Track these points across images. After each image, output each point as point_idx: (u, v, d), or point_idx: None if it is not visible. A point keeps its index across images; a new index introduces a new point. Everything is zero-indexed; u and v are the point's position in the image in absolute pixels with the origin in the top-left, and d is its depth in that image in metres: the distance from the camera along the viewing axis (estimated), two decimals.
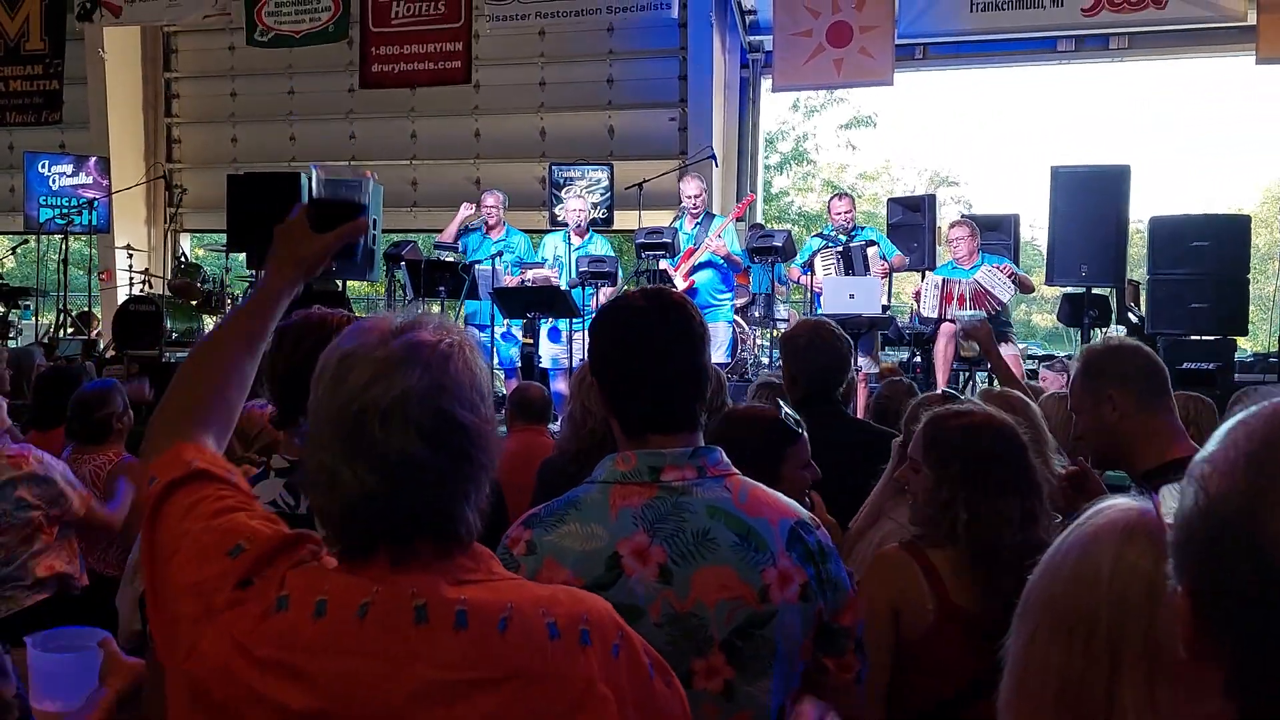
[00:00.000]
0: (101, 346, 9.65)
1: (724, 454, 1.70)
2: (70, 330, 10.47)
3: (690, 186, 8.44)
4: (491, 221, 8.73)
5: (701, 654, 1.59)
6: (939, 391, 2.87)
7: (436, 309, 8.78)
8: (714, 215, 8.69)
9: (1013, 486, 2.08)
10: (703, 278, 8.28)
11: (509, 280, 8.36)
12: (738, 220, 8.89)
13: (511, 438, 4.42)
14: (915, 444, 2.24)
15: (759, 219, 11.28)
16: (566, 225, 8.74)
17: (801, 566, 1.64)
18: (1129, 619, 1.05)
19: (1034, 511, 2.08)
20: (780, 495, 1.73)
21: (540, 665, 1.16)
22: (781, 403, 2.40)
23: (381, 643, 1.14)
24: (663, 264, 8.38)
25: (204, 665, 1.15)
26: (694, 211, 8.42)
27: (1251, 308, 8.26)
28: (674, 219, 9.16)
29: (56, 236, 11.10)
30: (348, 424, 1.16)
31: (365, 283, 10.00)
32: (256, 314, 1.53)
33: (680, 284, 8.21)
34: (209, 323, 10.10)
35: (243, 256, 10.07)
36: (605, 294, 8.50)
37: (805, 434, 2.28)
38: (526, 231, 9.32)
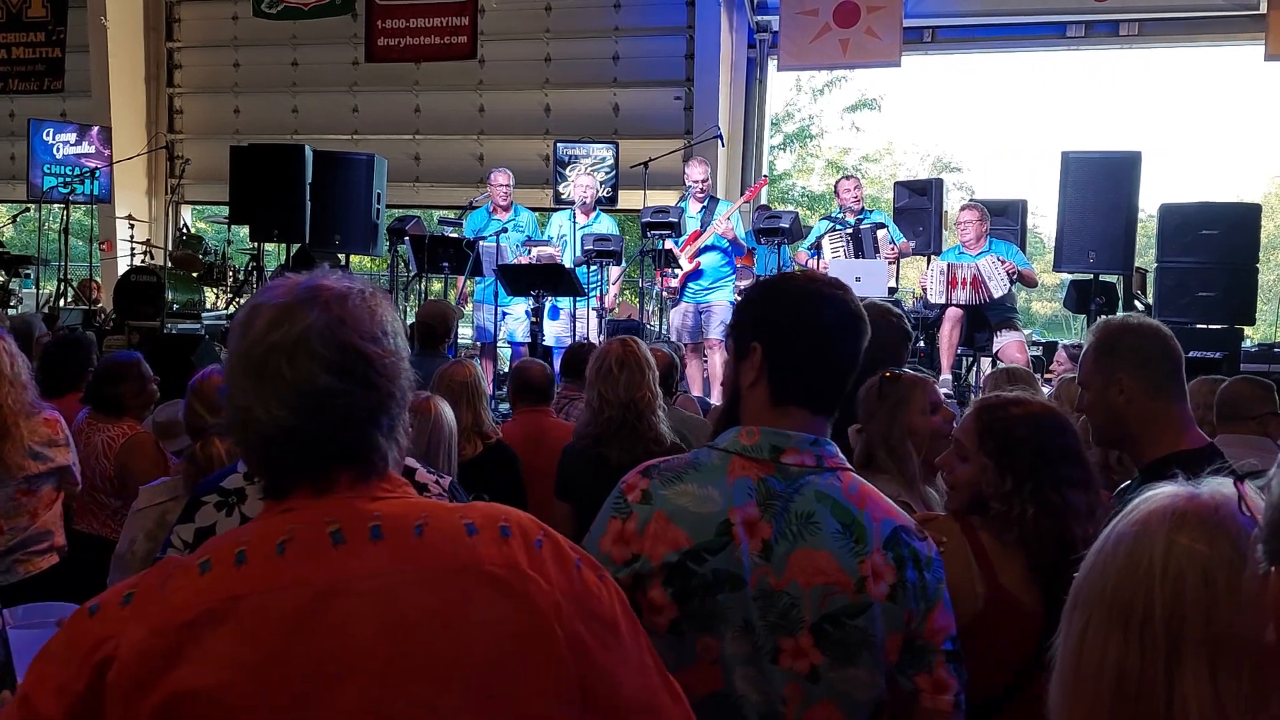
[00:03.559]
0: (102, 318, 9.58)
1: (840, 451, 1.72)
2: (71, 300, 10.39)
3: (696, 170, 8.40)
4: (502, 201, 8.64)
5: (791, 634, 1.61)
6: (880, 373, 2.68)
7: (439, 286, 8.72)
8: (719, 199, 8.64)
9: (1080, 480, 2.04)
10: (709, 260, 8.24)
11: (518, 258, 8.29)
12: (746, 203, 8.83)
13: (515, 419, 4.36)
14: (965, 430, 2.14)
15: (763, 200, 11.21)
16: (572, 203, 8.67)
17: (895, 567, 1.64)
18: (1187, 607, 1.03)
19: (1095, 505, 2.02)
20: (891, 501, 1.74)
21: (463, 556, 1.20)
22: None
23: (302, 571, 1.17)
24: (668, 244, 8.33)
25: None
26: (699, 195, 8.37)
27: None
28: (679, 199, 9.10)
29: (57, 206, 11.01)
30: (256, 364, 1.21)
31: (368, 257, 9.92)
32: None
33: (686, 265, 8.17)
34: (210, 295, 10.03)
35: (245, 229, 10.00)
36: (612, 273, 8.46)
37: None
38: (531, 209, 9.25)
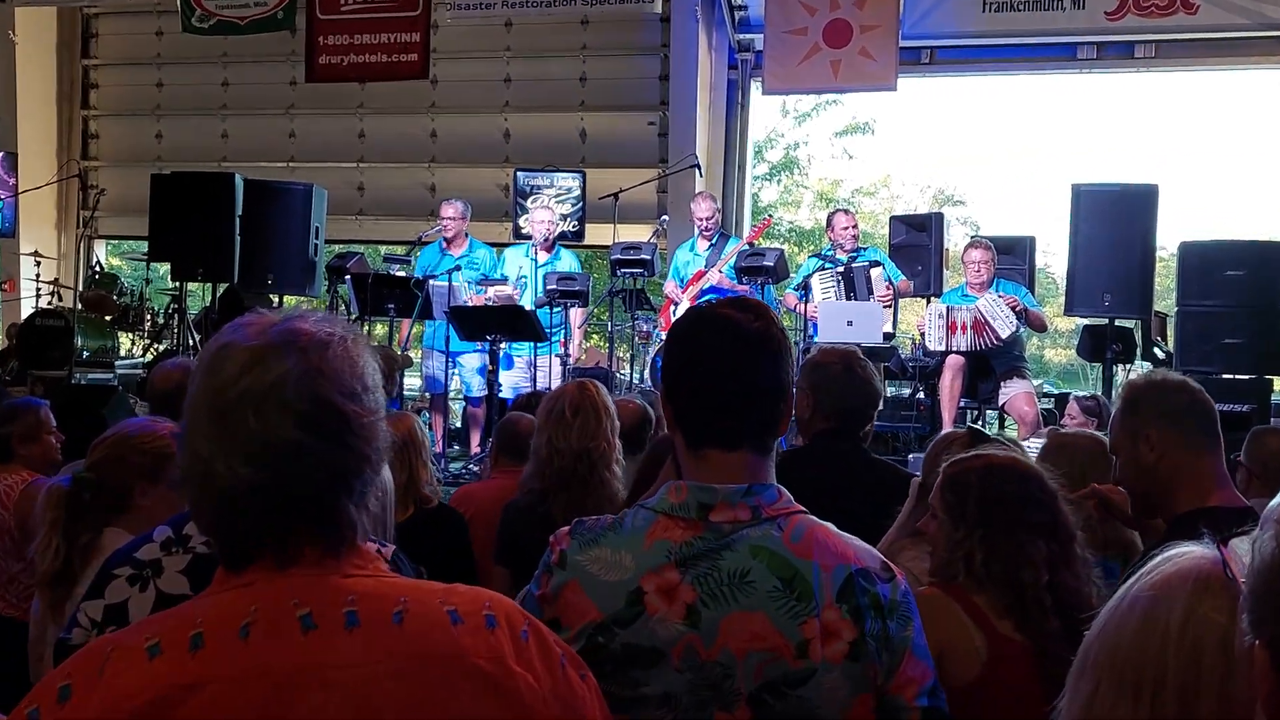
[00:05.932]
0: (2, 367, 9.49)
1: (787, 492, 1.71)
2: None
3: (702, 206, 8.57)
4: (450, 235, 8.67)
5: (726, 708, 1.59)
6: (964, 428, 2.89)
7: (383, 330, 8.71)
8: (730, 236, 8.71)
9: (1036, 527, 2.18)
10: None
11: (472, 299, 8.31)
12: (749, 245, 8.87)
13: (493, 478, 4.35)
14: (935, 490, 2.33)
15: (744, 234, 11.31)
16: (531, 238, 8.71)
17: (852, 621, 1.62)
18: (1202, 676, 1.05)
19: (1064, 556, 2.19)
20: (850, 538, 1.72)
21: (447, 646, 1.21)
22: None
23: (268, 659, 1.16)
24: (668, 285, 8.37)
25: None
26: (707, 232, 8.51)
27: None
28: (652, 234, 9.16)
29: None
30: (222, 412, 1.21)
31: (304, 298, 9.91)
32: None
33: (686, 307, 8.20)
34: (125, 341, 9.97)
35: (166, 267, 9.97)
36: (576, 315, 8.49)
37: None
38: (490, 245, 9.27)
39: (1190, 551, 1.11)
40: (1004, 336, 7.51)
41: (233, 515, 1.23)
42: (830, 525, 1.72)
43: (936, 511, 2.29)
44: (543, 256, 8.62)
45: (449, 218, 8.66)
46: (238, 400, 1.21)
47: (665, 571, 1.62)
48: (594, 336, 9.92)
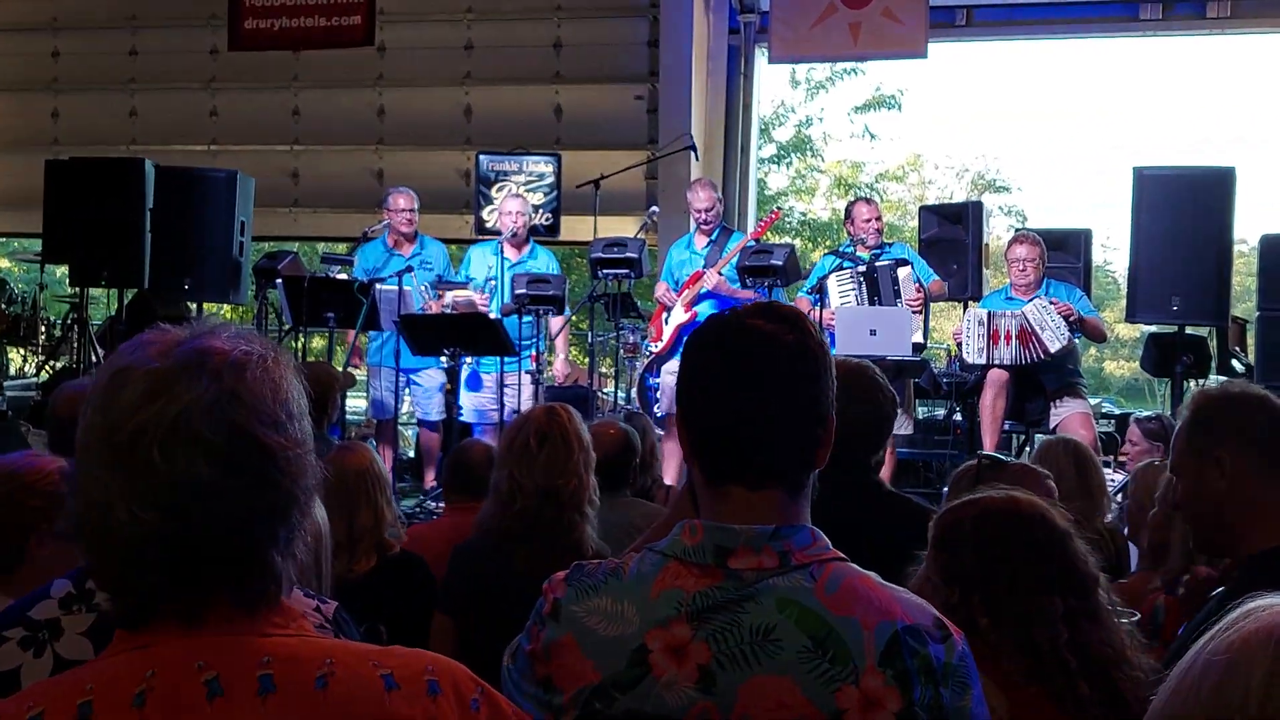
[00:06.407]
0: None
1: (823, 535, 1.70)
2: None
3: (701, 196, 8.44)
4: (405, 230, 8.68)
5: None
6: (982, 456, 2.85)
7: (321, 344, 8.70)
8: (732, 231, 8.68)
9: (1047, 580, 2.17)
10: (708, 309, 8.27)
11: (430, 305, 8.29)
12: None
13: (445, 516, 4.34)
14: (928, 548, 2.33)
15: (749, 229, 11.33)
16: (499, 234, 8.70)
17: (898, 689, 1.59)
18: None
19: (1086, 608, 2.17)
20: (896, 589, 1.71)
21: (378, 715, 1.21)
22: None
23: None
24: (659, 288, 8.34)
25: None
26: (706, 227, 8.46)
27: None
28: (640, 228, 9.16)
29: None
30: (121, 450, 1.20)
31: (228, 305, 9.90)
32: None
33: (680, 315, 8.21)
34: (15, 357, 9.94)
35: (63, 269, 9.94)
36: (556, 324, 8.48)
37: None
38: (446, 242, 9.26)
39: (1273, 605, 1.11)
40: (1053, 351, 7.48)
41: (134, 569, 1.22)
42: (873, 575, 1.70)
43: (930, 574, 2.26)
44: (515, 255, 8.57)
45: (405, 209, 8.65)
46: (138, 434, 1.20)
47: (674, 626, 1.61)
48: (571, 349, 9.90)
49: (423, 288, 8.41)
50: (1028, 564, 2.17)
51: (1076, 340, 7.86)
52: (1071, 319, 7.57)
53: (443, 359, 7.93)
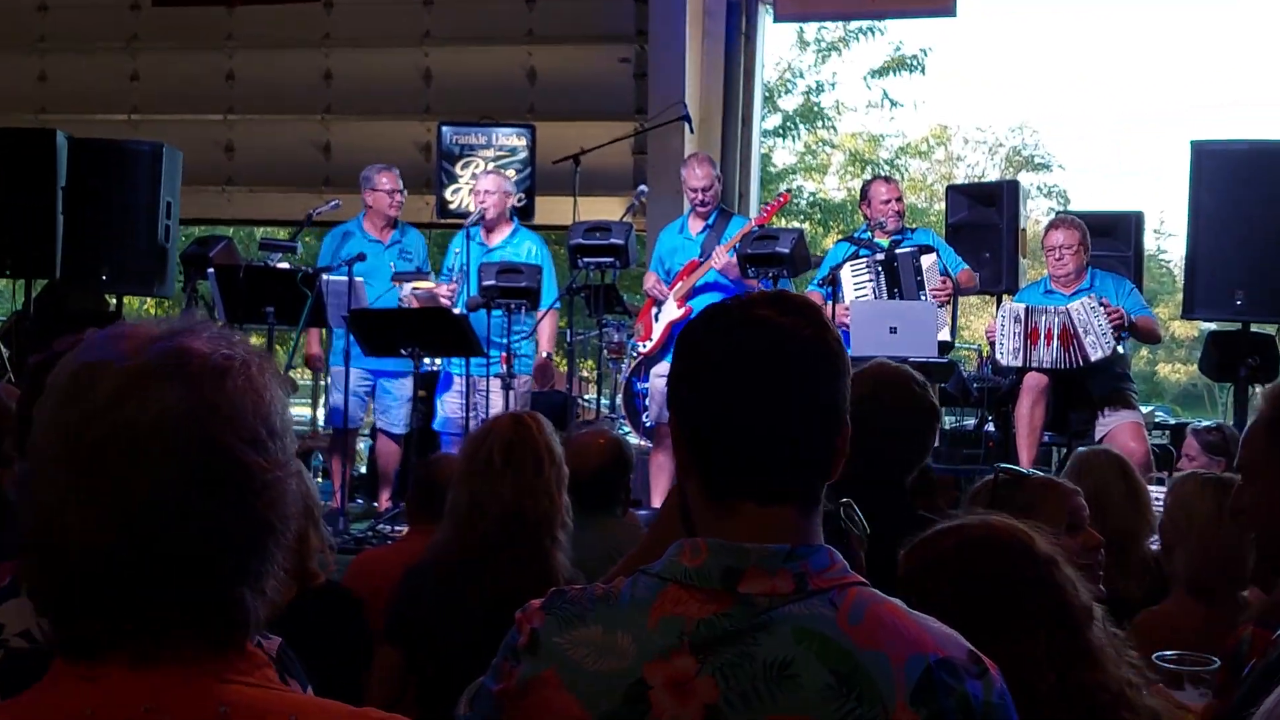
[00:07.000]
0: None
1: (840, 556, 1.69)
2: None
3: (696, 174, 8.37)
4: (393, 213, 8.65)
5: None
6: (995, 470, 2.81)
7: (259, 340, 8.70)
8: (732, 214, 8.66)
9: (1030, 614, 2.14)
10: (704, 303, 8.27)
11: (410, 301, 8.31)
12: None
13: (405, 541, 4.36)
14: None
15: (751, 211, 11.34)
16: (466, 216, 8.67)
17: None
18: None
19: (1078, 647, 2.15)
20: (925, 619, 1.70)
21: None
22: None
23: None
24: (648, 281, 8.33)
25: None
26: (702, 209, 8.44)
27: None
28: (626, 210, 9.17)
29: None
30: (82, 456, 1.20)
31: (151, 299, 9.89)
32: None
33: (673, 311, 8.21)
34: None
35: None
36: (546, 324, 8.47)
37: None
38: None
39: None
40: (1093, 359, 7.41)
41: (84, 591, 1.21)
42: (898, 601, 1.70)
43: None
44: (493, 240, 8.55)
45: (391, 189, 8.61)
46: (106, 438, 1.19)
47: (676, 658, 1.60)
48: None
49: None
50: (1009, 598, 2.16)
51: (1126, 344, 7.86)
52: (1121, 325, 7.49)
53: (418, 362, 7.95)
